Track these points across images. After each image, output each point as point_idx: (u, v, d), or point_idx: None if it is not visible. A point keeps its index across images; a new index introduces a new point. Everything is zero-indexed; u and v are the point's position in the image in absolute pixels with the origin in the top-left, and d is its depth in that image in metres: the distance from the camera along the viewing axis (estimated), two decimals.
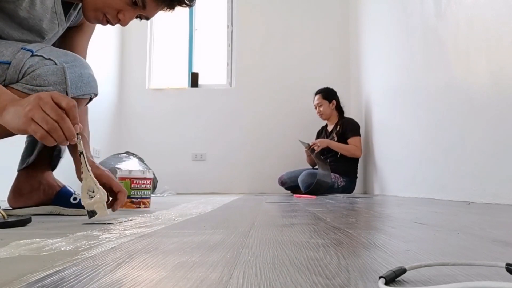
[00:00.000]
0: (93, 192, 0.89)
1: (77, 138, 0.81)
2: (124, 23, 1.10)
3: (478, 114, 1.87)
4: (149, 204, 1.46)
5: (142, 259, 0.51)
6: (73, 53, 1.09)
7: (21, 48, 0.99)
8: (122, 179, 1.41)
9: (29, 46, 1.01)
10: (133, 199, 1.40)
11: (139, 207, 1.41)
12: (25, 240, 0.65)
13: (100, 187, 0.90)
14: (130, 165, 3.27)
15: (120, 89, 4.30)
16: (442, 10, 2.21)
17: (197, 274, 0.43)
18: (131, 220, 1.03)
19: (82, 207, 0.94)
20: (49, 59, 1.00)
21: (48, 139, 0.77)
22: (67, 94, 0.99)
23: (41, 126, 0.76)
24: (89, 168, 0.90)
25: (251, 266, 0.47)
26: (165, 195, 3.29)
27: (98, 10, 1.06)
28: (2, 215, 0.89)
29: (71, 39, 1.27)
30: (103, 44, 3.92)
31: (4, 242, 0.64)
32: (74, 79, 1.01)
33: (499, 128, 1.71)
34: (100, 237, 0.72)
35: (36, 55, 0.99)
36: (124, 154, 3.46)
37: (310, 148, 3.39)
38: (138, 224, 0.94)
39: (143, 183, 1.42)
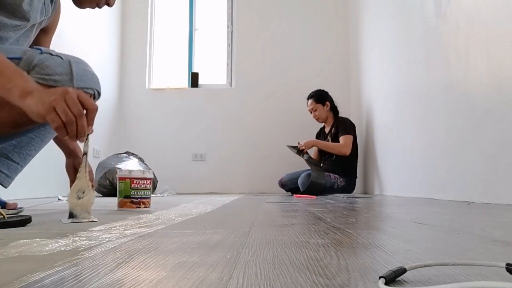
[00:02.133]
0: (83, 193, 0.88)
1: (86, 139, 0.85)
2: (111, 5, 1.27)
3: (478, 114, 1.87)
4: (149, 204, 1.45)
5: (142, 259, 0.51)
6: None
7: (30, 47, 1.08)
8: (122, 179, 1.41)
9: (37, 47, 1.10)
10: (133, 199, 1.40)
11: (139, 207, 1.40)
12: (25, 240, 0.65)
13: (91, 191, 0.89)
14: (130, 165, 3.27)
15: (120, 89, 4.30)
16: (442, 10, 2.21)
17: (197, 274, 0.43)
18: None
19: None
20: (57, 55, 1.07)
21: (62, 131, 0.81)
22: (72, 85, 1.03)
23: (59, 117, 0.79)
24: (87, 169, 0.91)
25: (251, 266, 0.47)
26: (165, 195, 3.29)
27: (93, 2, 1.23)
28: (2, 215, 0.89)
29: (38, 39, 1.33)
30: (103, 44, 3.92)
31: (4, 242, 0.64)
32: (79, 72, 1.07)
33: (499, 128, 1.71)
34: (100, 237, 0.72)
35: (44, 53, 1.06)
36: (124, 154, 3.46)
37: (299, 151, 3.39)
38: (138, 224, 0.94)
39: (143, 183, 1.42)
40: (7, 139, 1.12)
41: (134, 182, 1.40)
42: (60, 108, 0.79)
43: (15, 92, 0.83)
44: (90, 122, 0.84)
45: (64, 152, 1.31)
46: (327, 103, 3.56)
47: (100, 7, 1.25)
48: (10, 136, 1.12)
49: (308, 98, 3.62)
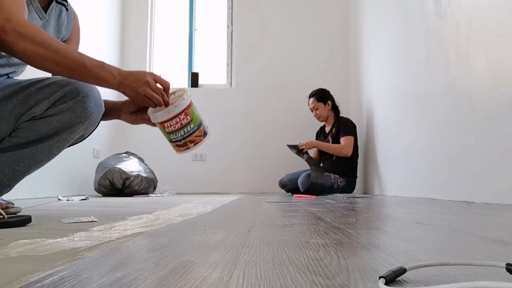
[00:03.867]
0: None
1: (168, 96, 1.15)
2: None
3: (478, 114, 1.87)
4: (201, 135, 1.20)
5: (142, 259, 0.51)
6: None
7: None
8: (158, 124, 1.20)
9: None
10: (177, 143, 1.19)
11: (189, 148, 1.19)
12: (25, 240, 0.65)
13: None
14: (130, 165, 3.27)
15: None
16: (442, 10, 2.21)
17: (197, 274, 0.43)
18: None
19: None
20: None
21: (151, 104, 1.15)
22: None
23: (149, 99, 1.13)
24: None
25: (251, 266, 0.47)
26: (165, 195, 3.29)
27: None
28: (2, 215, 0.89)
29: None
30: (103, 43, 3.92)
31: (4, 242, 0.64)
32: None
33: (499, 128, 1.71)
34: (100, 237, 0.72)
35: None
36: (124, 154, 3.46)
37: (299, 151, 3.39)
38: (138, 224, 0.94)
39: (176, 122, 1.16)
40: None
41: (166, 126, 1.17)
42: (149, 94, 1.12)
43: (110, 85, 1.11)
44: (166, 91, 1.16)
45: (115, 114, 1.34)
46: (329, 102, 3.55)
47: None
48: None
49: (310, 97, 3.61)
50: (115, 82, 1.10)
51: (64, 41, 1.39)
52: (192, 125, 1.17)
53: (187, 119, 1.16)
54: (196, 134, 1.18)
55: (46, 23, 1.28)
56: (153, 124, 1.22)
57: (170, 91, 1.21)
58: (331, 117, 3.57)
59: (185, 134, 1.17)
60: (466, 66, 1.97)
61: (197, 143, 1.19)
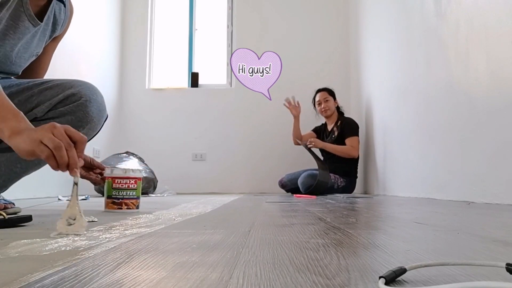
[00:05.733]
0: (74, 220, 0.87)
1: (77, 170, 0.84)
2: None
3: (478, 114, 1.87)
4: (135, 205, 1.34)
5: (142, 259, 0.51)
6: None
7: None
8: (106, 178, 1.34)
9: None
10: (114, 200, 1.32)
11: (121, 208, 1.31)
12: (25, 240, 0.65)
13: (82, 216, 0.85)
14: (130, 165, 3.27)
15: (120, 89, 4.30)
16: (442, 10, 2.21)
17: (197, 274, 0.43)
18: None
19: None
20: None
21: (52, 160, 0.81)
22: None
23: (47, 147, 0.80)
24: (79, 198, 0.89)
25: (251, 266, 0.47)
26: (165, 195, 3.29)
27: None
28: (2, 215, 0.89)
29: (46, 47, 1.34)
30: (103, 43, 3.92)
31: (4, 242, 0.64)
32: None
33: (499, 127, 1.71)
34: (100, 237, 0.72)
35: None
36: (124, 154, 3.46)
37: (306, 146, 3.40)
38: (138, 224, 0.94)
39: (125, 183, 1.32)
40: None
41: (116, 182, 1.31)
42: (47, 139, 0.80)
43: (5, 132, 0.85)
44: (80, 154, 0.84)
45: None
46: (337, 100, 3.63)
47: None
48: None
49: (320, 90, 3.64)
50: (13, 125, 0.86)
51: (56, 37, 1.35)
52: (134, 193, 1.35)
53: (134, 186, 1.35)
54: (133, 201, 1.35)
55: (40, 29, 1.23)
56: (94, 180, 1.30)
57: (126, 168, 1.30)
58: (335, 115, 3.58)
59: (126, 196, 1.33)
60: (466, 66, 1.97)
61: (129, 208, 1.35)
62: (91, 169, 1.28)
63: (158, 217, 1.11)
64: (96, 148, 3.62)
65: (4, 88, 1.16)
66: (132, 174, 1.34)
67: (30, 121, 1.14)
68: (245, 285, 0.38)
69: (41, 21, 1.21)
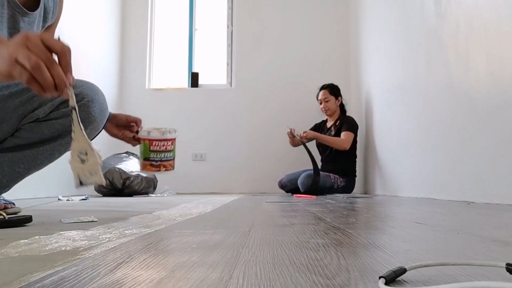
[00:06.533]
0: (86, 154, 0.74)
1: (69, 90, 0.70)
2: None
3: (478, 114, 1.87)
4: (172, 166, 1.33)
5: (142, 259, 0.51)
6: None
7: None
8: (141, 139, 1.32)
9: None
10: (152, 162, 1.30)
11: (159, 170, 1.30)
12: (25, 240, 0.65)
13: (95, 148, 0.76)
14: (130, 165, 3.27)
15: (120, 89, 4.30)
16: (442, 10, 2.21)
17: (197, 274, 0.43)
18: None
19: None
20: None
21: (34, 83, 0.66)
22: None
23: (25, 68, 0.65)
24: (82, 127, 0.76)
25: (251, 266, 0.47)
26: (165, 195, 3.29)
27: None
28: (2, 215, 0.89)
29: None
30: (103, 43, 3.92)
31: (4, 242, 0.64)
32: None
33: (499, 127, 1.71)
34: (100, 237, 0.72)
35: None
36: (124, 154, 3.46)
37: (291, 133, 3.38)
38: (138, 224, 0.94)
39: (163, 145, 1.29)
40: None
41: (153, 144, 1.28)
42: (21, 56, 0.64)
43: None
44: (66, 68, 0.68)
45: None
46: (339, 98, 3.58)
47: None
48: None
49: (322, 88, 3.60)
50: None
51: (48, 27, 1.30)
52: (171, 154, 1.33)
53: (171, 147, 1.32)
54: (170, 162, 1.33)
55: (31, 20, 1.18)
56: (129, 141, 1.29)
57: (161, 128, 1.26)
58: (337, 113, 3.57)
59: (164, 158, 1.31)
60: (466, 66, 1.97)
61: (167, 170, 1.33)
62: (127, 127, 1.26)
63: (158, 217, 1.11)
64: (96, 148, 3.62)
65: (2, 87, 1.15)
66: (169, 136, 1.31)
67: (32, 121, 1.13)
68: (245, 285, 0.38)
69: (32, 11, 1.16)
